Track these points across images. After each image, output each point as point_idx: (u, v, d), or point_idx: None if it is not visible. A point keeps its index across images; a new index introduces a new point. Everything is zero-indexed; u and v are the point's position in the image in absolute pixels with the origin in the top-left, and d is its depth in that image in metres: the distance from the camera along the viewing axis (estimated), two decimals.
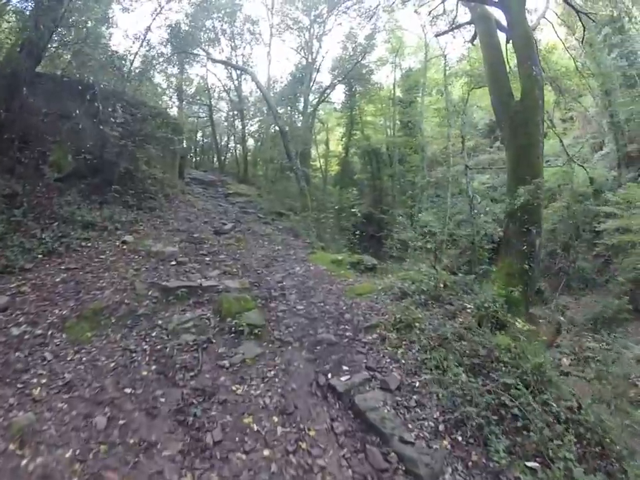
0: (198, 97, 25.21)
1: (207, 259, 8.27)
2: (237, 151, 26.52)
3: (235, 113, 24.67)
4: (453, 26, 15.92)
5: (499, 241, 16.60)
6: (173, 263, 7.68)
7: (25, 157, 9.75)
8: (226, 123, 26.92)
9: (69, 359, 5.00)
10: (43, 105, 10.20)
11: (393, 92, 23.04)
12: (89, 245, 8.40)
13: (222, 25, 20.66)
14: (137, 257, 7.95)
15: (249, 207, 15.03)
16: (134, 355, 5.11)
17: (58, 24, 9.97)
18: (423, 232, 17.22)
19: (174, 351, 5.20)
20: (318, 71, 22.31)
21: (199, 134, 28.90)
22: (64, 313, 5.77)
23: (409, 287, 7.22)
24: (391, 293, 7.35)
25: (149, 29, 12.10)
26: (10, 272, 6.99)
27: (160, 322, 5.76)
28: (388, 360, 5.39)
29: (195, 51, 19.31)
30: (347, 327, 6.16)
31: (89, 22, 11.77)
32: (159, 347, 5.26)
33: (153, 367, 4.94)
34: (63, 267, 7.25)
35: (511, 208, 8.67)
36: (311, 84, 21.70)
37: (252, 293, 6.86)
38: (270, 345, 5.56)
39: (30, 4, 10.22)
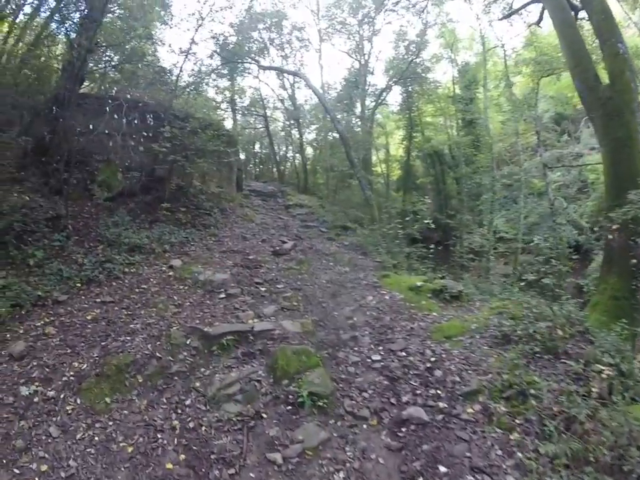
0: (253, 108, 24.66)
1: (263, 288, 6.91)
2: (296, 161, 25.51)
3: (291, 122, 23.69)
4: (512, 10, 13.74)
5: (575, 246, 14.45)
6: (222, 295, 6.41)
7: (73, 178, 9.24)
8: (283, 133, 25.87)
9: (78, 437, 3.78)
10: (89, 125, 9.74)
11: (451, 89, 21.37)
12: (133, 271, 7.43)
13: (269, 35, 20.01)
14: (182, 286, 6.80)
15: (310, 220, 13.70)
16: (159, 435, 3.77)
17: (94, 44, 9.42)
18: (494, 238, 15.17)
19: (211, 430, 3.80)
20: (372, 73, 21.00)
21: (257, 145, 28.40)
22: (84, 367, 4.63)
23: (511, 328, 5.25)
24: (488, 336, 5.44)
25: (192, 41, 11.56)
26: (42, 305, 6.13)
27: (198, 384, 4.42)
28: (499, 452, 3.61)
29: (245, 62, 18.80)
30: (438, 391, 4.40)
31: (132, 40, 11.25)
32: (192, 423, 3.88)
33: (182, 457, 3.56)
34: (98, 300, 6.26)
35: (622, 217, 6.45)
36: (367, 87, 20.46)
37: (316, 338, 5.32)
38: (338, 424, 3.97)
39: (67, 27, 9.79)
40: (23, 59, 10.28)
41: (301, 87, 22.60)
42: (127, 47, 10.85)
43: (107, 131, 9.49)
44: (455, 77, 21.23)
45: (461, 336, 5.51)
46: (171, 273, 7.36)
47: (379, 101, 20.63)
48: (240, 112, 24.30)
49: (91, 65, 10.33)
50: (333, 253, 9.52)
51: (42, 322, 5.66)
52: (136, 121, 10.35)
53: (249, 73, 21.03)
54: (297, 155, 24.73)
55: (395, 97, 27.02)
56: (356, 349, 5.19)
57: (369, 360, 4.92)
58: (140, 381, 4.47)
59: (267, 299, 6.48)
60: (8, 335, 5.41)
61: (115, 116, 10.19)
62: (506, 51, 18.08)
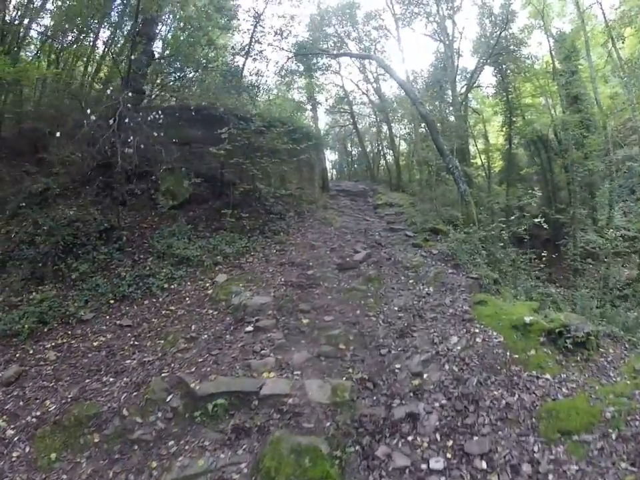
0: (339, 106, 23.60)
1: (305, 320, 5.26)
2: (388, 157, 23.74)
3: (380, 116, 22.06)
4: None
5: None
6: (250, 328, 4.98)
7: (137, 189, 8.98)
8: (374, 129, 24.26)
9: None
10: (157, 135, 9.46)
11: (550, 63, 18.12)
12: (173, 287, 6.56)
13: (344, 29, 18.72)
14: (211, 311, 5.62)
15: (397, 221, 11.67)
16: None
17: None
18: (615, 235, 11.50)
19: None
20: (459, 54, 18.64)
21: (349, 143, 27.37)
22: (51, 409, 3.71)
23: None
24: (631, 435, 2.95)
25: (252, 40, 10.97)
26: (66, 322, 5.60)
27: (155, 464, 3.05)
28: None
29: (322, 59, 17.68)
30: None
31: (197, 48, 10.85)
32: None
33: None
34: (118, 322, 5.44)
35: None
36: (456, 71, 18.34)
37: (350, 414, 3.49)
38: None
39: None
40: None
41: (386, 78, 21.03)
42: (194, 55, 10.49)
43: (175, 140, 8.91)
44: (551, 49, 18.24)
45: (586, 433, 3.13)
46: (209, 291, 6.27)
47: (471, 84, 18.56)
48: (323, 109, 23.61)
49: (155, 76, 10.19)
50: (416, 266, 7.38)
51: (52, 344, 5.05)
52: (207, 127, 9.70)
53: (328, 69, 19.88)
54: (389, 150, 23.10)
55: (488, 79, 24.05)
56: (410, 439, 3.22)
57: (425, 469, 2.92)
58: (95, 441, 3.33)
59: (304, 338, 4.81)
60: (17, 355, 4.89)
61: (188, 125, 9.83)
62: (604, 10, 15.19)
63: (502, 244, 9.13)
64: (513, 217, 10.08)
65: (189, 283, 6.68)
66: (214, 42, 11.72)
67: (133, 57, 9.12)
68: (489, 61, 16.99)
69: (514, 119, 17.04)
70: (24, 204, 7.46)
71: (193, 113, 9.67)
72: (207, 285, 6.60)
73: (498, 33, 16.50)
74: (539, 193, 12.91)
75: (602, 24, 16.37)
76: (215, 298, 5.95)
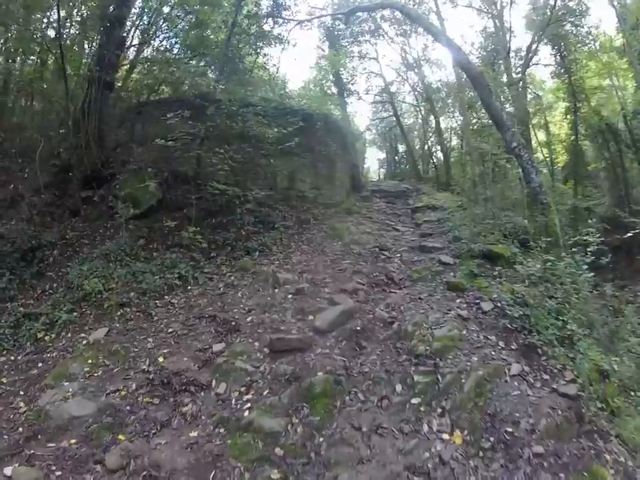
0: (379, 96, 21.42)
1: None
2: (433, 150, 21.48)
3: (426, 107, 19.84)
4: None
5: None
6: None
7: (97, 195, 7.67)
8: (420, 120, 21.71)
9: None
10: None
11: (616, 38, 15.18)
12: (47, 338, 5.10)
13: (381, 13, 15.74)
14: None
15: (436, 233, 8.51)
16: None
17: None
18: None
19: None
20: (511, 32, 15.51)
21: (394, 139, 24.29)
22: None
23: None
24: None
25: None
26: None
27: None
28: None
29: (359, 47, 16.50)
30: None
31: None
32: None
33: None
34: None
35: None
36: (508, 49, 15.53)
37: None
38: None
39: None
40: None
41: (429, 58, 19.30)
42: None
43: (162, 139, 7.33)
44: (618, 14, 14.79)
45: None
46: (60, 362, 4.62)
47: (527, 63, 15.77)
48: (363, 102, 22.42)
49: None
50: (439, 352, 4.12)
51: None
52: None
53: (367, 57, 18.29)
54: (438, 145, 20.42)
55: (545, 59, 18.29)
56: None
57: None
58: None
59: None
60: None
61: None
62: None
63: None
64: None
65: (68, 335, 5.22)
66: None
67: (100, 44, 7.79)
68: (544, 37, 14.53)
69: (578, 105, 14.92)
70: None
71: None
72: (79, 342, 5.00)
73: (551, 5, 13.74)
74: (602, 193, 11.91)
75: None
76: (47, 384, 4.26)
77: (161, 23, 9.47)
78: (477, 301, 5.14)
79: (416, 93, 20.95)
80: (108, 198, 7.68)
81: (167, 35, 9.82)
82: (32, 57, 8.41)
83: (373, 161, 27.78)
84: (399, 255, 7.50)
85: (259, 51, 11.14)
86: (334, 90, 18.37)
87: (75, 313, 5.50)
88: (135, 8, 8.83)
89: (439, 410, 3.36)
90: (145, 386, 4.03)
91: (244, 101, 8.18)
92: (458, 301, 5.25)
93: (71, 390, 3.99)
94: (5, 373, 4.55)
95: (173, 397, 3.89)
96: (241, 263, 6.97)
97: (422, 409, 3.40)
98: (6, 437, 3.50)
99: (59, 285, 6.08)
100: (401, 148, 24.13)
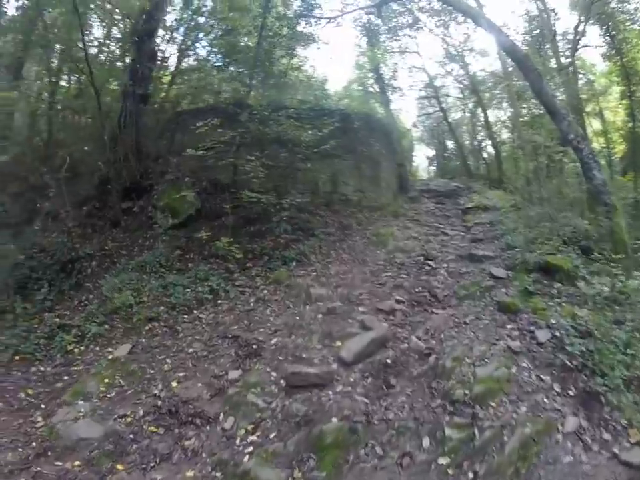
0: (424, 90, 20.08)
1: None
2: (483, 145, 20.23)
3: (473, 99, 18.68)
4: None
5: None
6: None
7: (137, 206, 7.77)
8: (467, 114, 20.46)
9: None
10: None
11: None
12: (76, 350, 5.11)
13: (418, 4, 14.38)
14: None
15: (487, 238, 7.55)
16: None
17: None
18: None
19: None
20: (555, 14, 14.49)
21: (442, 136, 22.55)
22: None
23: None
24: None
25: None
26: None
27: None
28: None
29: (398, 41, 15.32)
30: None
31: None
32: None
33: None
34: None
35: None
36: (555, 35, 14.50)
37: None
38: None
39: None
40: None
41: (471, 48, 17.75)
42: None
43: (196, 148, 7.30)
44: None
45: None
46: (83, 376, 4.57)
47: (575, 48, 14.65)
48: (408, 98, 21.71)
49: None
50: (479, 399, 3.19)
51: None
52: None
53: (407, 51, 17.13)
54: (488, 140, 19.03)
55: (594, 40, 17.08)
56: None
57: None
58: None
59: None
60: None
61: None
62: None
63: None
64: None
65: (96, 349, 5.20)
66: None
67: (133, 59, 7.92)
68: (590, 17, 13.33)
69: (633, 88, 13.73)
70: None
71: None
72: (104, 357, 4.93)
73: None
74: None
75: None
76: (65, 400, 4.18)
77: (196, 33, 9.49)
78: (532, 328, 4.33)
79: (461, 85, 19.73)
80: (147, 208, 7.75)
81: (202, 44, 9.87)
82: (75, 75, 8.75)
83: (422, 159, 26.42)
84: (445, 265, 6.74)
85: (291, 52, 10.85)
86: (376, 88, 17.65)
87: (106, 326, 5.48)
88: (170, 21, 8.99)
89: (470, 475, 2.72)
90: (152, 413, 3.80)
91: (278, 105, 7.88)
92: (509, 327, 4.46)
93: (83, 410, 3.88)
94: (32, 384, 4.56)
95: (178, 428, 3.61)
96: (276, 274, 6.60)
97: (450, 471, 2.77)
98: (20, 450, 3.46)
99: (94, 296, 6.14)
100: (450, 144, 22.84)
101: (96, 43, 8.47)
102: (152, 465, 3.25)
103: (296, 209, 7.69)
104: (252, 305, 5.87)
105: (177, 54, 9.52)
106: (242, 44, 9.47)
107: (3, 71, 8.21)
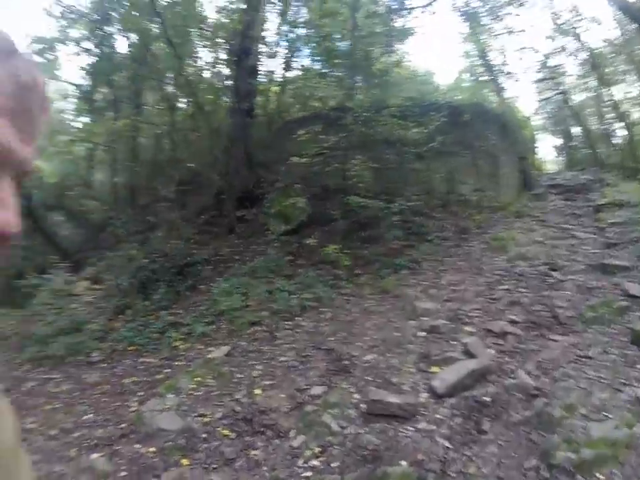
0: (539, 73, 16.84)
1: None
2: (613, 129, 16.99)
3: (594, 76, 15.90)
4: None
5: None
6: None
7: (250, 214, 8.03)
8: (593, 94, 17.09)
9: None
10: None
11: None
12: (182, 347, 5.37)
13: None
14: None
15: (624, 242, 5.93)
16: None
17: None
18: None
19: None
20: None
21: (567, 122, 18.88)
22: None
23: None
24: None
25: None
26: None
27: None
28: None
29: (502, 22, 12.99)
30: None
31: None
32: None
33: None
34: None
35: None
36: None
37: None
38: None
39: None
40: None
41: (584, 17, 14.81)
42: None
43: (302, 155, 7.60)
44: None
45: None
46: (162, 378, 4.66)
47: None
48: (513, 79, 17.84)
49: None
50: (591, 466, 1.89)
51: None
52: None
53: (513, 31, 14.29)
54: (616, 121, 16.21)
55: None
56: None
57: None
58: None
59: None
60: None
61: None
62: None
63: None
64: None
65: (199, 347, 5.37)
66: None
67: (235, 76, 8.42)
68: None
69: None
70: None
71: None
72: (203, 356, 5.05)
73: None
74: None
75: None
76: (158, 392, 4.31)
77: (296, 45, 9.79)
78: None
79: (579, 61, 16.91)
80: (260, 216, 8.04)
81: (304, 53, 10.10)
82: (187, 98, 9.77)
83: (548, 150, 22.73)
84: (572, 277, 5.39)
85: (390, 49, 10.35)
86: (487, 76, 15.76)
87: (213, 327, 5.70)
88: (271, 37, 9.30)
89: None
90: (229, 417, 3.65)
91: (380, 105, 7.48)
92: None
93: (169, 403, 3.94)
94: (138, 373, 4.91)
95: (250, 436, 3.38)
96: (384, 283, 6.18)
97: None
98: (110, 428, 3.68)
99: (206, 298, 6.49)
100: (576, 130, 19.49)
101: (204, 66, 9.33)
102: (214, 466, 3.08)
103: (410, 212, 7.22)
104: (354, 315, 5.53)
105: (282, 66, 9.95)
106: (340, 48, 9.41)
107: (125, 101, 9.64)
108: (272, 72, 9.83)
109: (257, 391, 4.01)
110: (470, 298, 5.16)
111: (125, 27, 9.26)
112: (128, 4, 8.04)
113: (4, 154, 0.36)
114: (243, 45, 8.16)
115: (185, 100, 9.72)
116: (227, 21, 8.92)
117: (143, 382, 4.63)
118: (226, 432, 3.45)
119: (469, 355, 3.65)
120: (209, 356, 4.94)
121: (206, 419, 3.66)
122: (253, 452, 3.16)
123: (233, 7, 9.09)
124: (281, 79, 10.16)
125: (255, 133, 8.55)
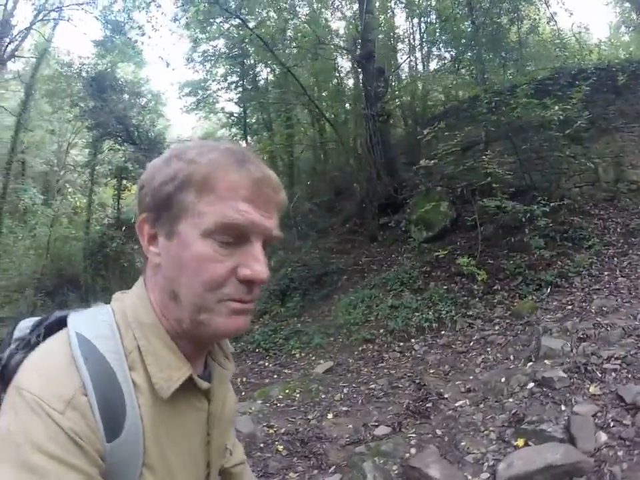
0: None
1: None
2: None
3: None
4: None
5: None
6: None
7: (392, 221, 7.54)
8: None
9: None
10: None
11: None
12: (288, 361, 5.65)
13: None
14: None
15: None
16: None
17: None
18: None
19: None
20: None
21: None
22: None
23: None
24: None
25: None
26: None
27: None
28: None
29: None
30: None
31: None
32: None
33: None
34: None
35: None
36: None
37: None
38: None
39: None
40: None
41: None
42: None
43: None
44: None
45: None
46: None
47: None
48: None
49: None
50: None
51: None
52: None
53: None
54: None
55: None
56: None
57: None
58: None
59: None
60: None
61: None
62: None
63: None
64: None
65: (311, 357, 5.48)
66: None
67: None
68: None
69: None
70: None
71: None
72: (311, 367, 5.16)
73: None
74: None
75: None
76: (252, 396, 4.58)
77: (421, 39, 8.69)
78: None
79: None
80: (402, 222, 7.62)
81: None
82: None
83: None
84: None
85: (517, 15, 7.99)
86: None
87: (331, 339, 5.80)
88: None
89: None
90: (290, 434, 3.68)
91: (513, 84, 5.95)
92: None
93: (253, 408, 4.19)
94: (251, 375, 5.38)
95: (298, 458, 3.35)
96: (520, 304, 5.01)
97: None
98: None
99: (337, 308, 6.59)
100: None
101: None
102: (256, 475, 3.10)
103: (567, 211, 5.55)
104: (470, 344, 4.71)
105: (412, 65, 9.14)
106: (462, 31, 7.85)
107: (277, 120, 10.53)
108: (400, 69, 9.24)
109: (329, 415, 3.93)
110: (616, 338, 3.53)
111: (260, 60, 10.23)
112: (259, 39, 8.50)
113: (252, 227, 0.52)
114: (362, 50, 7.99)
115: (327, 113, 10.13)
116: (347, 30, 8.86)
117: (251, 384, 5.08)
118: (280, 447, 3.48)
119: (568, 434, 2.48)
120: (312, 370, 5.04)
121: (271, 430, 3.77)
122: (291, 474, 3.11)
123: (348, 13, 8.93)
124: (412, 76, 9.37)
125: (392, 137, 8.20)
